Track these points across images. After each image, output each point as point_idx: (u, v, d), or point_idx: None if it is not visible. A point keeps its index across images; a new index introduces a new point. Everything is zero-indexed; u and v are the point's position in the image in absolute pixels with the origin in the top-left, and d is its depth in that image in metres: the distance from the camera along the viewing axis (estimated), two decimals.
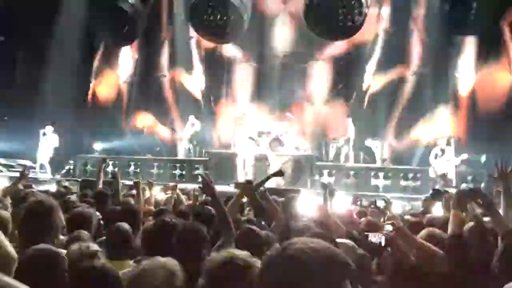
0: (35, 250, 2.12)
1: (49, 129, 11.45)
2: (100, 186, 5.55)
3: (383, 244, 2.90)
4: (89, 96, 14.06)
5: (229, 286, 1.80)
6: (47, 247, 2.17)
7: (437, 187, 9.13)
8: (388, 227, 3.10)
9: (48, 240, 2.40)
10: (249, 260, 1.83)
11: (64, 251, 2.32)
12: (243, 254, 1.86)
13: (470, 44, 11.48)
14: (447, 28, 11.12)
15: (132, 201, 4.93)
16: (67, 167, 12.33)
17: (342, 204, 5.90)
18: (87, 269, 1.99)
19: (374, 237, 3.14)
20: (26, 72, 13.19)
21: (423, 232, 3.08)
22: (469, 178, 9.64)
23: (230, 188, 9.86)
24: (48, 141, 11.47)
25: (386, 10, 12.37)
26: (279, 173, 5.33)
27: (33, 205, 2.63)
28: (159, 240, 2.71)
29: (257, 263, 1.77)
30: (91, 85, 14.20)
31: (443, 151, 9.68)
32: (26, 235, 2.49)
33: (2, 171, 11.13)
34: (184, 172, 11.69)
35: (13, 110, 12.34)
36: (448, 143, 9.65)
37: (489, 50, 11.08)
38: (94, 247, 2.44)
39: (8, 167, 11.62)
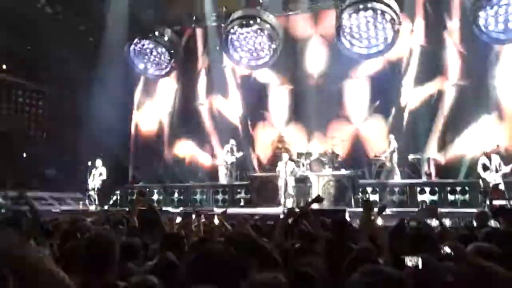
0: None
1: (99, 162, 11.85)
2: (135, 220, 5.41)
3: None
4: (132, 128, 14.56)
5: None
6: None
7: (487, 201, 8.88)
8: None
9: (109, 275, 2.38)
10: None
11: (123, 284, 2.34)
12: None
13: (508, 52, 11.22)
14: (484, 37, 10.97)
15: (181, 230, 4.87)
16: (114, 198, 12.72)
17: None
18: None
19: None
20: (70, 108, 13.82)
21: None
22: None
23: (275, 209, 9.93)
24: (97, 173, 11.86)
25: (419, 24, 12.29)
26: (319, 199, 5.29)
27: (95, 239, 2.56)
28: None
29: None
30: (134, 117, 14.73)
31: (491, 161, 9.38)
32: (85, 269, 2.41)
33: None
34: (226, 197, 11.81)
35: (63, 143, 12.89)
36: (496, 153, 9.35)
37: None
38: (153, 280, 2.42)
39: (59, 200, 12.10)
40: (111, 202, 12.62)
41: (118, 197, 12.65)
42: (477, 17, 10.95)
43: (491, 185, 9.00)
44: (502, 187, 9.14)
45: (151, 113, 14.83)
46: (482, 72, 11.33)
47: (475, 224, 5.63)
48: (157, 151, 13.90)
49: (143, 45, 14.58)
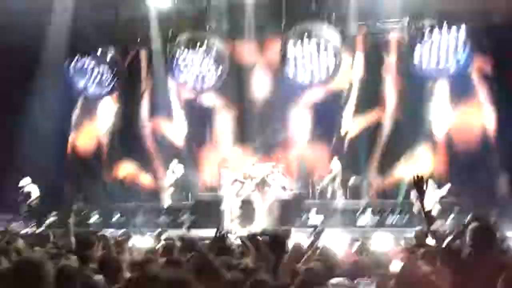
0: None
1: (26, 180, 11.13)
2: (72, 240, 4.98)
3: None
4: (69, 148, 13.89)
5: None
6: None
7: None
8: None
9: None
10: None
11: None
12: None
13: (442, 87, 12.18)
14: (419, 72, 11.86)
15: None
16: (50, 219, 11.93)
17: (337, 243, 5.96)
18: None
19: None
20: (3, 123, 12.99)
21: None
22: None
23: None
24: (26, 192, 11.17)
25: (359, 57, 13.04)
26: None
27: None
28: None
29: None
30: (71, 136, 14.08)
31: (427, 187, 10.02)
32: None
33: None
34: (169, 220, 11.55)
35: None
36: (430, 179, 10.04)
37: (461, 93, 11.76)
38: None
39: None
40: (47, 223, 11.83)
41: (54, 219, 11.87)
42: (412, 53, 11.89)
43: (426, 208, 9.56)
44: (436, 209, 9.80)
45: (90, 133, 14.24)
46: (417, 106, 12.13)
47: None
48: (95, 172, 13.32)
49: (84, 62, 14.17)
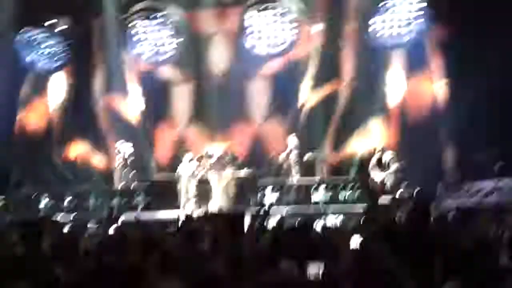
0: None
1: None
2: None
3: None
4: (17, 127, 13.31)
5: None
6: None
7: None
8: None
9: None
10: None
11: None
12: None
13: (397, 57, 11.93)
14: (376, 42, 11.55)
15: None
16: None
17: None
18: None
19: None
20: None
21: None
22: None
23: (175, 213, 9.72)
24: None
25: (318, 27, 12.65)
26: None
27: None
28: None
29: None
30: (19, 114, 13.47)
31: (379, 161, 10.00)
32: None
33: None
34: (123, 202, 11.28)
35: None
36: (382, 153, 9.99)
37: (416, 64, 11.56)
38: None
39: None
40: None
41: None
42: (369, 23, 11.57)
43: (379, 182, 9.59)
44: (389, 183, 9.78)
45: (40, 111, 13.63)
46: (373, 76, 11.95)
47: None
48: (45, 152, 12.83)
49: (33, 35, 13.44)
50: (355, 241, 3.67)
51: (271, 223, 6.20)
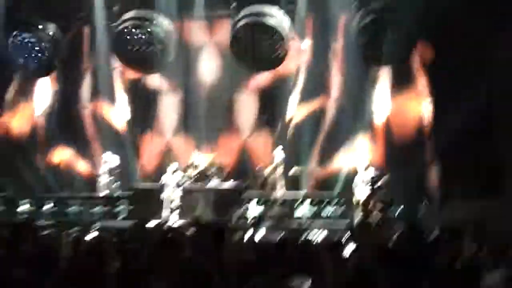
0: None
1: None
2: None
3: None
4: (1, 130, 13.10)
5: None
6: None
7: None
8: None
9: None
10: None
11: None
12: None
13: (384, 75, 12.10)
14: (363, 60, 11.69)
15: None
16: None
17: None
18: None
19: None
20: None
21: None
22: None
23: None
24: None
25: (307, 43, 12.77)
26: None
27: None
28: None
29: None
30: (3, 118, 13.26)
31: (364, 178, 10.07)
32: None
33: None
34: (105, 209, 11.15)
35: None
36: (367, 170, 10.07)
37: (402, 81, 11.73)
38: None
39: None
40: None
41: None
42: (357, 39, 11.68)
43: (362, 199, 9.64)
44: (373, 200, 9.84)
45: (25, 114, 13.46)
46: (360, 92, 12.05)
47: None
48: (28, 157, 12.63)
49: (23, 38, 13.28)
50: (344, 259, 3.63)
51: (257, 236, 6.18)
